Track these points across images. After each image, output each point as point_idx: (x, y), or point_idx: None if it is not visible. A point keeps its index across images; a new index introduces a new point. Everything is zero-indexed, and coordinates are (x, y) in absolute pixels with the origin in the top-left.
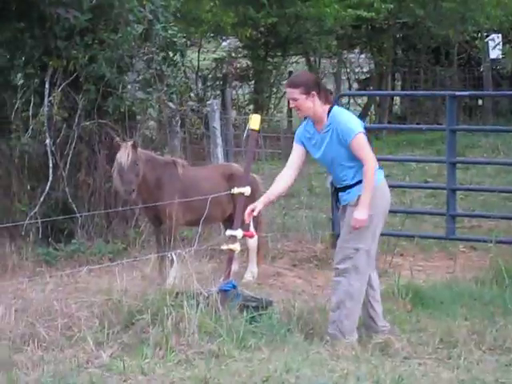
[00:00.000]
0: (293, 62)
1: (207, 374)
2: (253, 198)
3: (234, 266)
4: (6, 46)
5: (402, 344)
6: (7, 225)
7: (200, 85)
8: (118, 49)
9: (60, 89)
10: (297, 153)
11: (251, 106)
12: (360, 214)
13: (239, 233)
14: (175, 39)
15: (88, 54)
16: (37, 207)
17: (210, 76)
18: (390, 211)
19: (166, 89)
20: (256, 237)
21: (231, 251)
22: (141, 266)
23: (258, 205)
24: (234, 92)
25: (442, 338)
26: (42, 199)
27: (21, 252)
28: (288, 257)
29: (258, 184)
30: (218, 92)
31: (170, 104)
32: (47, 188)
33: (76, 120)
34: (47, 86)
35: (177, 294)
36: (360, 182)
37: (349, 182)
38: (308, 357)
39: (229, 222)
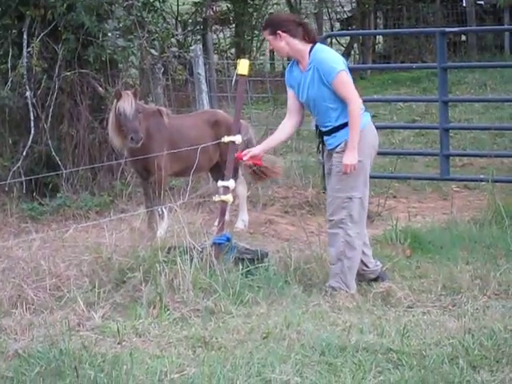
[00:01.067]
0: (274, 4)
1: (204, 332)
2: (243, 143)
3: (245, 217)
4: None
5: (404, 292)
6: None
7: (180, 30)
8: None
9: (38, 39)
10: (290, 97)
11: (233, 50)
12: (349, 158)
13: (231, 183)
14: None
15: (66, 2)
16: (19, 162)
17: (190, 21)
18: (380, 153)
19: (147, 35)
20: (244, 183)
21: (224, 203)
22: (129, 219)
23: (255, 150)
24: (215, 36)
25: (444, 285)
26: (24, 153)
27: (5, 208)
28: (279, 203)
29: (248, 129)
30: (199, 37)
31: (152, 51)
32: (29, 142)
33: (56, 71)
34: (25, 36)
35: (169, 249)
36: (344, 124)
37: (333, 124)
38: (308, 310)
39: (215, 171)
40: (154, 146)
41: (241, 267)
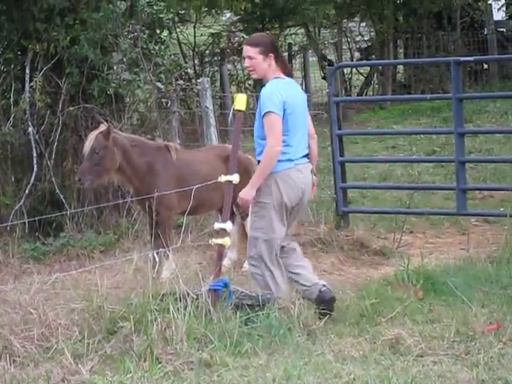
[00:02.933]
0: (291, 34)
1: None
2: (248, 181)
3: (233, 255)
4: None
5: (414, 339)
6: None
7: (197, 61)
8: (100, 28)
9: (41, 73)
10: None
11: (251, 81)
12: (243, 192)
13: (229, 225)
14: (162, 15)
15: (69, 35)
16: (22, 200)
17: (207, 52)
18: (396, 187)
19: (153, 68)
20: None
21: (221, 246)
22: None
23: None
24: (233, 67)
25: (458, 330)
26: (27, 191)
27: (6, 249)
28: None
29: (254, 165)
30: (217, 68)
31: (158, 84)
32: (32, 179)
33: (60, 106)
34: (28, 71)
35: (163, 295)
36: None
37: (259, 159)
38: (311, 360)
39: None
40: (158, 184)
41: (240, 314)
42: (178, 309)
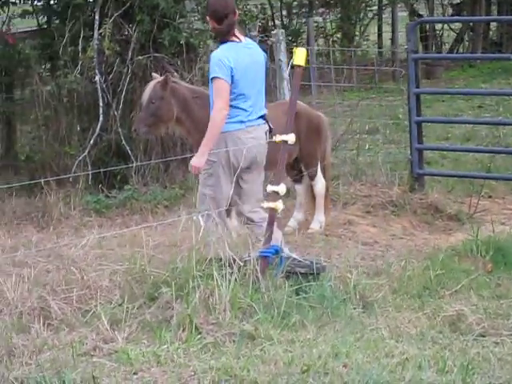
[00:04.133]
0: None
1: (236, 362)
2: (318, 139)
3: (299, 215)
4: None
5: (477, 317)
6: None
7: (284, 12)
8: None
9: (111, 20)
10: None
11: (339, 35)
12: (194, 159)
13: (282, 188)
14: None
15: None
16: (86, 150)
17: (295, 3)
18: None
19: None
20: (324, 181)
21: (273, 210)
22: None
23: None
24: (321, 20)
25: None
26: (92, 141)
27: (68, 200)
28: (361, 202)
29: (325, 123)
30: (304, 20)
31: None
32: (98, 129)
33: (129, 54)
34: (97, 17)
35: (210, 260)
36: None
37: None
38: (363, 336)
39: (292, 168)
40: None
41: (290, 283)
42: (223, 276)
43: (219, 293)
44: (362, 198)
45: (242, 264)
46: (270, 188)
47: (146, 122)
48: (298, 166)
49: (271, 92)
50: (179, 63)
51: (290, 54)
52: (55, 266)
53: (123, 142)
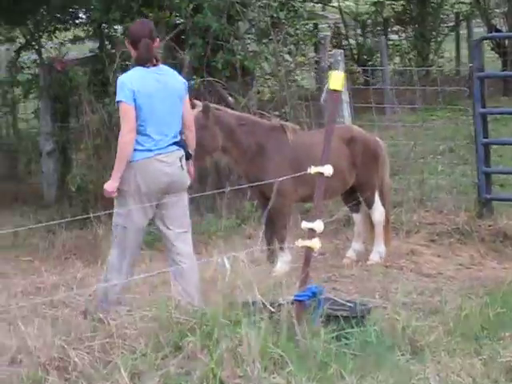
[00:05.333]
0: (458, 2)
1: None
2: (375, 165)
3: (358, 245)
4: None
5: None
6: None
7: (359, 31)
8: None
9: (163, 44)
10: None
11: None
12: (107, 184)
13: (319, 225)
14: None
15: (193, 2)
16: None
17: (369, 21)
18: None
19: (283, 39)
20: (382, 209)
21: (309, 249)
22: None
23: None
24: (396, 37)
25: None
26: None
27: None
28: (425, 230)
29: (382, 148)
30: (378, 39)
31: (287, 56)
32: None
33: None
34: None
35: (243, 304)
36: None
37: None
38: None
39: (349, 196)
40: (270, 167)
41: (329, 329)
42: (253, 323)
43: (248, 342)
44: (426, 226)
45: (273, 309)
46: (304, 225)
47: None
48: (354, 194)
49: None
50: (234, 87)
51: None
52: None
53: None
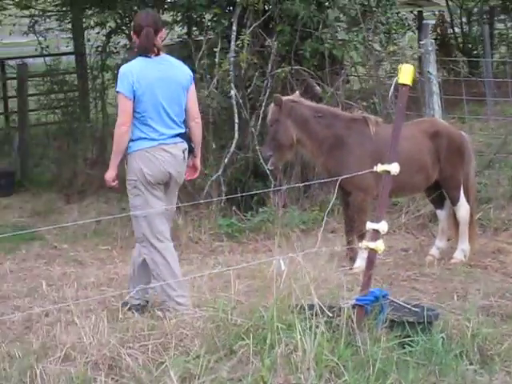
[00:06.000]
0: None
1: None
2: (460, 160)
3: (441, 243)
4: None
5: None
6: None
7: (464, 19)
8: None
9: (249, 31)
10: None
11: None
12: (106, 174)
13: (383, 225)
14: None
15: None
16: (221, 170)
17: (475, 9)
18: None
19: (374, 28)
20: (467, 206)
21: (373, 251)
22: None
23: None
24: (503, 26)
25: None
26: (227, 160)
27: (199, 223)
28: None
29: (467, 143)
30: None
31: (376, 45)
32: (233, 147)
33: (269, 67)
34: (234, 28)
35: (301, 307)
36: (132, 140)
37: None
38: None
39: (433, 192)
40: (351, 161)
41: (393, 335)
42: (309, 327)
43: (303, 348)
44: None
45: (331, 314)
46: (369, 225)
47: (269, 148)
48: (439, 190)
49: (420, 107)
50: (321, 76)
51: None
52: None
53: (261, 160)
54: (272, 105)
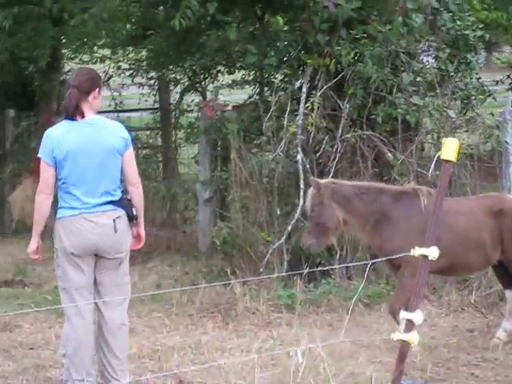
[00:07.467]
0: None
1: None
2: None
3: (509, 325)
4: (254, 41)
5: None
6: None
7: None
8: (390, 44)
9: (320, 92)
10: None
11: None
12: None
13: (418, 316)
14: (467, 32)
15: (354, 50)
16: (283, 237)
17: None
18: None
19: (451, 93)
20: None
21: (405, 343)
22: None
23: None
24: None
25: None
26: (290, 227)
27: (258, 293)
28: None
29: None
30: None
31: (450, 112)
32: (297, 214)
33: (340, 131)
34: (304, 89)
35: None
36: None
37: None
38: None
39: (501, 273)
40: (395, 235)
41: None
42: None
43: None
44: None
45: None
46: (403, 315)
47: (313, 233)
48: (506, 273)
49: (495, 178)
50: (393, 143)
51: None
52: None
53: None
54: (311, 189)
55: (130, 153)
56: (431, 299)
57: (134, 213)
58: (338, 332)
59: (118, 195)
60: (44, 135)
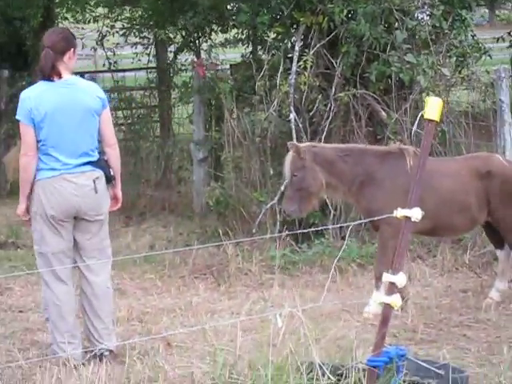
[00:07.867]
0: None
1: None
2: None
3: (501, 284)
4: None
5: None
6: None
7: None
8: (381, 1)
9: (313, 51)
10: None
11: None
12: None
13: (401, 278)
14: None
15: (347, 7)
16: (276, 197)
17: None
18: None
19: (445, 51)
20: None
21: (388, 307)
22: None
23: None
24: None
25: None
26: (282, 188)
27: (250, 254)
28: None
29: None
30: None
31: (444, 70)
32: None
33: (333, 90)
34: (297, 48)
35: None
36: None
37: None
38: None
39: (491, 233)
40: (380, 196)
41: None
42: None
43: None
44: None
45: (336, 376)
46: (385, 277)
47: (294, 199)
48: (496, 234)
49: (491, 137)
50: (388, 101)
51: None
52: None
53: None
54: (289, 154)
55: (107, 113)
56: (425, 259)
57: (112, 174)
58: (331, 294)
59: (95, 156)
60: (20, 97)
